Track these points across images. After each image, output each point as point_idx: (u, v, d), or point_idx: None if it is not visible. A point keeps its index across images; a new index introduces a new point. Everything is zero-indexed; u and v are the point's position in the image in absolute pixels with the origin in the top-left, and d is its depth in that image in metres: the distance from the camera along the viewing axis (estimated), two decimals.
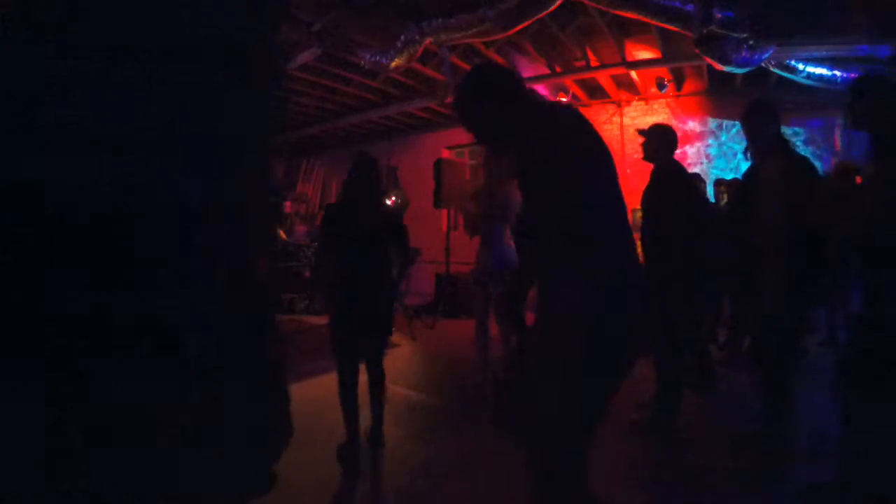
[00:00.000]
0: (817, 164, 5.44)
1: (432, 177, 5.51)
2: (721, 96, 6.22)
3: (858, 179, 3.47)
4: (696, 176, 4.61)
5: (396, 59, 4.58)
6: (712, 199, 4.60)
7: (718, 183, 4.65)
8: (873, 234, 1.74)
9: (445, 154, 8.26)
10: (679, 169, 2.74)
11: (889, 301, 1.69)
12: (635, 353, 1.26)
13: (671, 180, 2.64)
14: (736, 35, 3.79)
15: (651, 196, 2.65)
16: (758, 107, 2.27)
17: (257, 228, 0.62)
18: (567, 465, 1.21)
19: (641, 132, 2.78)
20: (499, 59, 5.69)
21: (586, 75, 6.03)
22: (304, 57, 5.02)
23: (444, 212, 6.22)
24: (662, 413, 2.64)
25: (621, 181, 1.33)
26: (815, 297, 2.12)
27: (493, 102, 1.34)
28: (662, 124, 2.85)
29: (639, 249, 2.65)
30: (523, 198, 1.32)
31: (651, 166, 2.76)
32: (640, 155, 2.81)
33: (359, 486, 2.19)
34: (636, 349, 1.25)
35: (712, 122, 6.41)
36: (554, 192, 1.19)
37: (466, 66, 5.89)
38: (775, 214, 2.09)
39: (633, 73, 5.92)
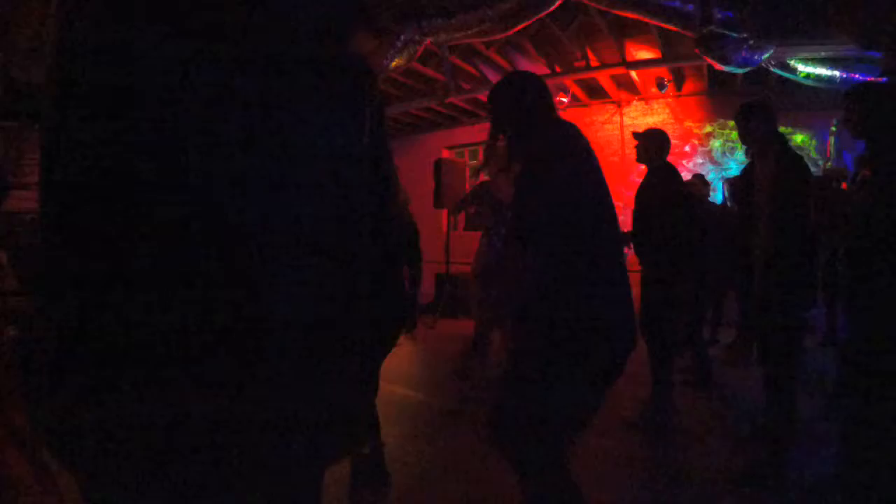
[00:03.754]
0: (815, 163, 5.50)
1: (432, 177, 5.51)
2: (721, 96, 6.22)
3: (844, 185, 3.48)
4: (699, 177, 4.61)
5: (396, 59, 4.58)
6: (720, 199, 4.60)
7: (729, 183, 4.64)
8: (867, 237, 1.75)
9: (445, 154, 8.26)
10: (670, 171, 2.76)
11: (879, 303, 1.70)
12: (609, 353, 1.29)
13: (662, 182, 2.66)
14: (736, 35, 3.79)
15: (642, 198, 2.67)
16: (752, 107, 2.26)
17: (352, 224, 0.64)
18: (549, 461, 1.28)
19: (636, 135, 2.80)
20: (499, 59, 5.69)
21: (586, 75, 6.03)
22: None
23: (444, 212, 6.23)
24: (655, 411, 2.65)
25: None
26: (813, 296, 2.12)
27: (518, 109, 1.47)
28: (656, 128, 2.88)
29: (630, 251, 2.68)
30: (516, 197, 1.39)
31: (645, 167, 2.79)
32: (636, 156, 2.83)
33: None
34: (609, 349, 1.29)
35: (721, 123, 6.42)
36: (543, 199, 1.30)
37: (466, 66, 5.90)
38: (770, 214, 2.10)
39: (633, 73, 5.93)
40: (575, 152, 1.35)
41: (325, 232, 0.59)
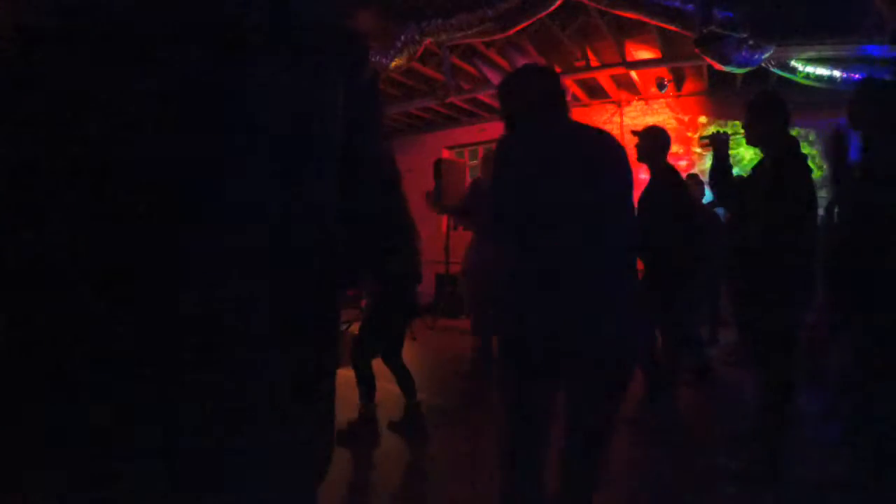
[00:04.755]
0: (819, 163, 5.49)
1: (432, 177, 5.51)
2: (721, 96, 6.22)
3: None
4: (693, 177, 4.61)
5: (396, 59, 4.58)
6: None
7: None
8: (855, 234, 1.75)
9: (445, 154, 8.26)
10: (674, 172, 2.78)
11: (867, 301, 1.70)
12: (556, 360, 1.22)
13: (667, 184, 2.67)
14: (736, 35, 3.78)
15: (647, 199, 2.67)
16: (755, 104, 2.22)
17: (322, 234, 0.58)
18: (508, 457, 1.30)
19: (635, 133, 2.80)
20: (499, 60, 5.68)
21: (586, 75, 6.03)
22: None
23: None
24: (654, 410, 2.66)
25: None
26: (813, 297, 2.12)
27: (506, 105, 1.43)
28: (656, 126, 2.87)
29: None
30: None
31: (642, 165, 2.79)
32: (636, 155, 2.83)
33: (358, 486, 2.19)
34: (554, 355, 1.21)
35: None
36: (495, 198, 1.30)
37: (466, 66, 5.90)
38: (771, 214, 2.09)
39: (633, 73, 5.92)
40: (519, 153, 1.29)
41: (280, 231, 0.53)
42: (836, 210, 2.48)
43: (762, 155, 2.21)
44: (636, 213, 2.73)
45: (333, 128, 0.59)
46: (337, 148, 0.60)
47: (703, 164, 6.36)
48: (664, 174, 2.71)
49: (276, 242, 0.53)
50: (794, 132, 2.26)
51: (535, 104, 1.39)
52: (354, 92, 0.61)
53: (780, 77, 4.58)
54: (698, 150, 6.42)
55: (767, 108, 2.15)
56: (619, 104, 6.94)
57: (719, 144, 2.27)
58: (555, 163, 1.27)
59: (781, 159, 2.07)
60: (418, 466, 2.30)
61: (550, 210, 1.24)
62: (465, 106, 7.30)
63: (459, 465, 2.28)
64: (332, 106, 0.58)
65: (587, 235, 1.24)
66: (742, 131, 2.27)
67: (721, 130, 2.39)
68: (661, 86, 6.14)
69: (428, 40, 4.41)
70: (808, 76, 4.40)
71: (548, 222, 1.24)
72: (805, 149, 2.23)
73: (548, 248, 1.22)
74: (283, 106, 0.53)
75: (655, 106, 6.75)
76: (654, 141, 2.73)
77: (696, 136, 6.43)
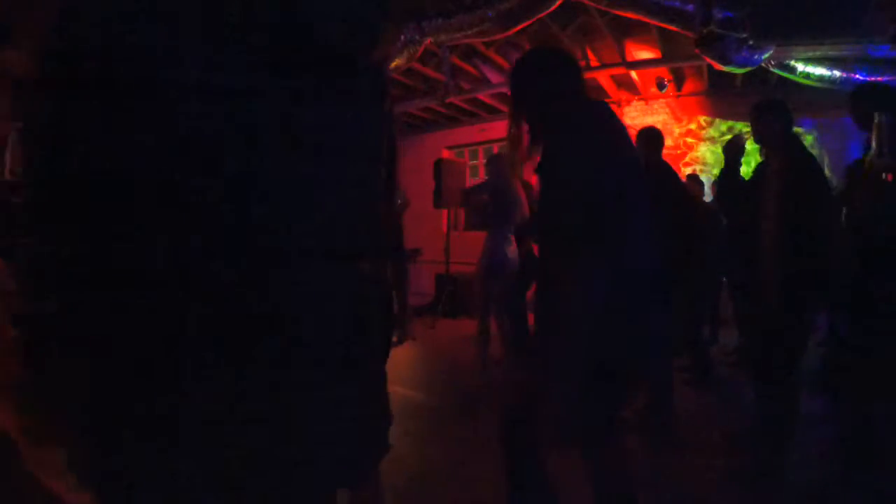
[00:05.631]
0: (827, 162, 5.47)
1: (432, 177, 5.51)
2: (721, 96, 6.21)
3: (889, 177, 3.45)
4: (693, 177, 4.61)
5: (396, 59, 4.58)
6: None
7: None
8: (863, 231, 1.76)
9: (445, 154, 8.25)
10: (669, 171, 2.80)
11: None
12: (647, 357, 1.21)
13: (663, 182, 2.68)
14: (736, 35, 3.78)
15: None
16: (765, 106, 2.26)
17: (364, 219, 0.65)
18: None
19: None
20: (499, 59, 5.69)
21: (586, 75, 6.03)
22: None
23: (444, 212, 6.22)
24: (655, 410, 2.66)
25: None
26: (816, 297, 2.12)
27: (548, 88, 1.30)
28: (645, 127, 2.92)
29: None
30: (541, 191, 1.27)
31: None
32: None
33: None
34: (647, 353, 1.21)
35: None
36: (573, 189, 1.14)
37: (466, 66, 5.90)
38: (776, 213, 2.09)
39: (633, 73, 5.92)
40: (600, 139, 1.18)
41: (342, 231, 0.59)
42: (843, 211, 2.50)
43: (761, 159, 2.23)
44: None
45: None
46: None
47: (698, 161, 6.36)
48: (659, 173, 2.72)
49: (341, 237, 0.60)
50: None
51: (569, 89, 1.29)
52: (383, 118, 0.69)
53: (780, 77, 4.58)
54: (700, 159, 6.42)
55: (772, 110, 2.19)
56: (619, 104, 6.94)
57: (734, 152, 2.29)
58: (628, 155, 1.24)
59: (793, 161, 2.09)
60: (417, 467, 2.30)
61: (632, 204, 1.18)
62: (465, 106, 7.30)
63: (459, 465, 2.28)
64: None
65: (653, 232, 1.21)
66: (749, 131, 2.31)
67: (742, 130, 2.42)
68: (661, 86, 6.14)
69: (428, 40, 4.40)
70: (808, 76, 4.40)
71: (632, 220, 1.17)
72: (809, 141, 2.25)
73: (636, 241, 1.17)
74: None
75: (655, 106, 6.74)
76: (643, 140, 2.78)
77: (688, 128, 6.45)
